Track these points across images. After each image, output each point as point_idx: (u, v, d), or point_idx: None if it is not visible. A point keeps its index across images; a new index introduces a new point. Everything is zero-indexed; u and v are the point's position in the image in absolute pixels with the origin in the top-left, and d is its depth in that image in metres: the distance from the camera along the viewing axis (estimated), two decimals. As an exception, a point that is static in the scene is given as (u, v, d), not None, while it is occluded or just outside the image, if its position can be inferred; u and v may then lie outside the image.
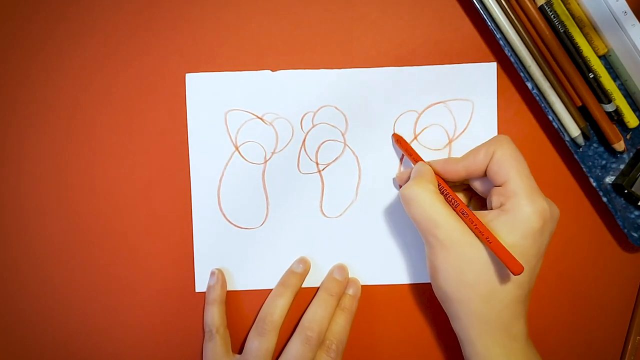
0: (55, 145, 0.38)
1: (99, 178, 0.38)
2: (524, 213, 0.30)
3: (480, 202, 0.37)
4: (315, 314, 0.36)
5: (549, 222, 0.31)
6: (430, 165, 0.35)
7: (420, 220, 0.32)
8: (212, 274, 0.37)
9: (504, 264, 0.29)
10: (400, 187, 0.35)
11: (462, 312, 0.32)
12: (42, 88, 0.37)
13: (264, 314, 0.36)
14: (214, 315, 0.36)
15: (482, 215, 0.32)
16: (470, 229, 0.31)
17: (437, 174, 0.34)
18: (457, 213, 0.32)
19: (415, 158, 0.36)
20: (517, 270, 0.29)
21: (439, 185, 0.33)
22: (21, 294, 0.38)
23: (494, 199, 0.32)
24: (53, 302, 0.38)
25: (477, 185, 0.35)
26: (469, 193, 0.37)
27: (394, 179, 0.38)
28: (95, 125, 0.38)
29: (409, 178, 0.35)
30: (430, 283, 0.38)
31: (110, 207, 0.38)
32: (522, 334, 0.32)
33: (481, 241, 0.31)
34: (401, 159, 0.38)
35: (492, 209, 0.33)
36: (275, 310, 0.36)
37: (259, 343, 0.35)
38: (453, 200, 0.32)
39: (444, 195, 0.33)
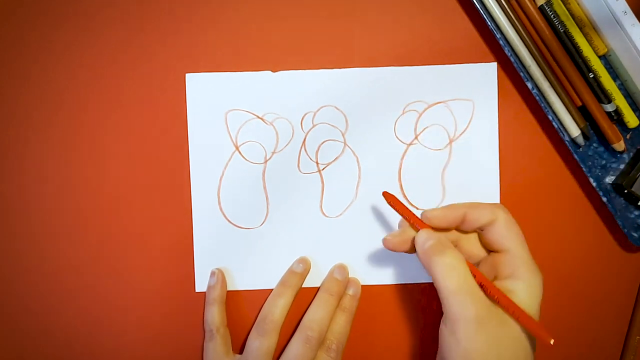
0: (56, 146, 0.38)
1: (99, 178, 0.38)
2: (537, 280, 0.30)
3: None
4: (316, 314, 0.36)
5: None
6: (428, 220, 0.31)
7: (459, 292, 0.28)
8: (212, 274, 0.37)
9: (536, 335, 0.28)
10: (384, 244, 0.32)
11: None
12: (42, 88, 0.37)
13: (264, 313, 0.36)
14: (214, 315, 0.36)
15: (499, 286, 0.30)
16: (492, 302, 0.28)
17: (434, 225, 0.31)
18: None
19: (415, 222, 0.31)
20: (550, 338, 0.27)
21: None
22: (22, 293, 0.38)
23: (502, 269, 0.30)
24: (53, 300, 0.38)
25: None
26: None
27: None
28: (95, 125, 0.38)
29: (406, 241, 0.31)
30: (429, 283, 0.38)
31: (110, 206, 0.38)
32: None
33: (508, 314, 0.28)
34: (399, 172, 0.38)
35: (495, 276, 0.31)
36: (276, 310, 0.36)
37: (260, 343, 0.35)
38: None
39: None
